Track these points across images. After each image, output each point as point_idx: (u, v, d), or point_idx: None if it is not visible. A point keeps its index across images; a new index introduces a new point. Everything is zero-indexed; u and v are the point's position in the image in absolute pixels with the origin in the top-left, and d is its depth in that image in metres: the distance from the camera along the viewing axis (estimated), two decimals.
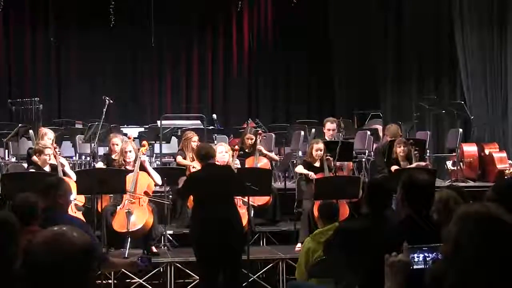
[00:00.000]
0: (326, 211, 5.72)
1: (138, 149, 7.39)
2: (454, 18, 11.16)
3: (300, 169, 7.98)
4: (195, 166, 8.19)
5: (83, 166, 10.28)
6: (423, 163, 8.08)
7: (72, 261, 1.84)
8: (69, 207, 5.23)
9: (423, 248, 2.43)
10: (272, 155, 9.30)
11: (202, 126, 10.76)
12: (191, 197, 7.94)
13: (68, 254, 1.84)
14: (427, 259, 2.42)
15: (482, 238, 1.86)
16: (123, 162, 7.34)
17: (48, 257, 1.83)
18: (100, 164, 7.94)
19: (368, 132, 10.90)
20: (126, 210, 6.81)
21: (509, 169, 9.58)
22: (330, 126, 9.21)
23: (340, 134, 9.11)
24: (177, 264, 6.89)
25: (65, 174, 6.98)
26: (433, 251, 2.41)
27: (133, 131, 11.05)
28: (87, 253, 1.90)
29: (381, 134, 10.52)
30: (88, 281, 1.91)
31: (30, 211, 3.82)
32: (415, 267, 2.42)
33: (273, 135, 10.83)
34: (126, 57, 14.93)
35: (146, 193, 7.10)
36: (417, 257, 2.42)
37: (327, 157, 7.88)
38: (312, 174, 7.68)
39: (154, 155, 10.70)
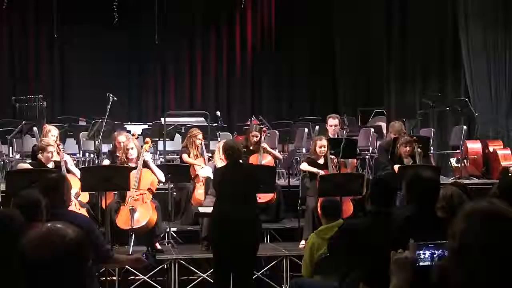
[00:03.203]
0: (328, 209, 5.72)
1: (141, 146, 7.39)
2: (458, 16, 11.14)
3: (305, 166, 7.96)
4: (201, 164, 8.20)
5: (87, 163, 10.29)
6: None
7: (66, 257, 1.85)
8: (71, 204, 5.23)
9: (429, 245, 2.42)
10: (276, 153, 9.29)
11: (205, 123, 10.76)
12: (195, 195, 8.00)
13: (61, 250, 1.84)
14: (434, 256, 2.41)
15: (490, 236, 1.85)
16: (125, 159, 7.35)
17: (42, 254, 1.83)
18: (106, 162, 7.94)
19: (372, 129, 10.89)
20: (130, 207, 6.82)
21: None
22: (332, 122, 9.21)
23: (344, 131, 9.10)
24: (181, 261, 6.90)
25: (68, 171, 7.00)
26: (440, 248, 2.40)
27: (137, 128, 11.07)
28: (81, 248, 1.90)
29: (385, 131, 10.51)
30: (83, 276, 1.91)
31: (32, 207, 3.81)
32: (421, 264, 2.40)
33: (277, 132, 10.84)
34: (129, 55, 14.93)
35: (149, 190, 7.11)
36: (423, 254, 2.40)
37: (330, 155, 7.87)
38: (320, 172, 7.66)
39: (158, 152, 10.71)
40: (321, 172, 7.66)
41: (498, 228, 1.86)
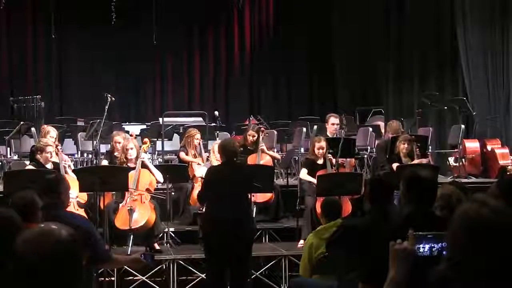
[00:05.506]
0: (328, 209, 5.71)
1: (140, 147, 7.39)
2: (456, 15, 11.14)
3: (304, 175, 7.90)
4: (199, 162, 8.20)
5: (85, 164, 10.28)
6: (425, 160, 8.07)
7: (60, 257, 1.84)
8: (69, 204, 5.22)
9: (428, 236, 2.39)
10: (274, 153, 9.28)
11: (204, 123, 10.76)
12: (193, 195, 8.00)
13: (55, 251, 1.84)
14: (433, 249, 2.39)
15: (493, 250, 1.82)
16: (124, 159, 7.34)
17: (35, 255, 1.82)
18: (105, 162, 7.94)
19: (370, 129, 10.89)
20: (128, 208, 6.81)
21: None
22: (334, 121, 9.19)
23: (342, 131, 9.11)
24: (180, 261, 6.89)
25: (67, 171, 6.99)
26: (439, 241, 2.38)
27: (135, 128, 11.06)
28: (75, 249, 1.89)
29: (383, 130, 10.50)
30: (78, 276, 1.91)
31: (28, 208, 3.79)
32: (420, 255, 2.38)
33: (275, 132, 10.83)
34: (127, 55, 14.91)
35: (148, 190, 7.10)
36: (423, 247, 2.39)
37: (328, 155, 7.86)
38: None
39: (156, 152, 10.71)
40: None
41: (502, 242, 1.83)
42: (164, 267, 6.93)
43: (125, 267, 6.28)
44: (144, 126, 11.78)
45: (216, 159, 7.34)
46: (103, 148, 9.47)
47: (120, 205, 7.02)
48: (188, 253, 7.05)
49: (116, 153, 7.78)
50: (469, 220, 1.92)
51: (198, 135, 8.47)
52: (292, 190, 8.41)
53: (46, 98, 12.79)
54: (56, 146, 7.25)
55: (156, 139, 10.48)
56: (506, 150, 9.95)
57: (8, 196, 6.35)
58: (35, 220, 3.73)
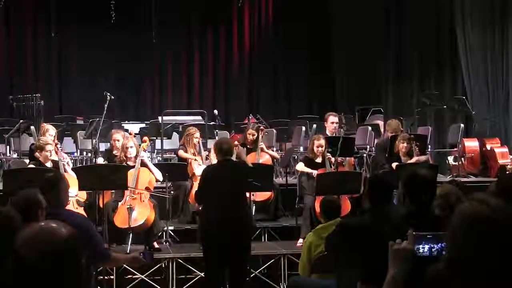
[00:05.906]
0: (327, 208, 5.71)
1: (139, 145, 7.39)
2: (455, 15, 11.15)
3: (300, 167, 7.93)
4: (196, 159, 8.20)
5: (84, 162, 10.28)
6: (423, 158, 8.05)
7: (60, 256, 1.84)
8: (68, 203, 5.22)
9: (428, 236, 2.39)
10: (273, 153, 9.29)
11: (203, 122, 10.76)
12: (192, 193, 8.00)
13: (55, 249, 1.84)
14: (433, 250, 2.39)
15: (493, 251, 1.81)
16: (124, 158, 7.34)
17: (35, 253, 1.82)
18: (100, 160, 7.93)
19: (369, 128, 10.89)
20: (128, 206, 6.81)
21: (511, 164, 9.57)
22: (333, 119, 9.19)
23: (342, 130, 9.10)
24: (179, 260, 6.90)
25: (66, 170, 6.99)
26: (439, 241, 2.37)
27: (134, 127, 11.06)
28: (74, 247, 1.89)
29: (382, 129, 10.51)
30: (78, 275, 1.91)
31: (29, 207, 3.79)
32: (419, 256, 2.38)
33: (274, 131, 10.83)
34: (127, 54, 14.90)
35: (147, 189, 7.10)
36: (422, 247, 2.38)
37: (327, 154, 7.86)
38: (314, 172, 7.64)
39: (156, 151, 10.71)
40: (315, 173, 7.60)
41: (502, 241, 1.83)
42: (163, 266, 6.94)
43: (124, 265, 6.29)
44: (143, 125, 11.79)
45: (216, 158, 7.34)
46: (103, 147, 9.46)
47: (120, 203, 7.02)
48: (187, 252, 7.06)
49: (115, 151, 7.78)
50: (469, 219, 1.91)
51: (198, 134, 8.47)
52: (292, 189, 8.41)
53: (45, 96, 12.77)
54: (56, 144, 7.25)
55: (155, 138, 10.48)
56: (506, 149, 9.96)
57: (7, 194, 6.37)
58: (36, 220, 3.72)
